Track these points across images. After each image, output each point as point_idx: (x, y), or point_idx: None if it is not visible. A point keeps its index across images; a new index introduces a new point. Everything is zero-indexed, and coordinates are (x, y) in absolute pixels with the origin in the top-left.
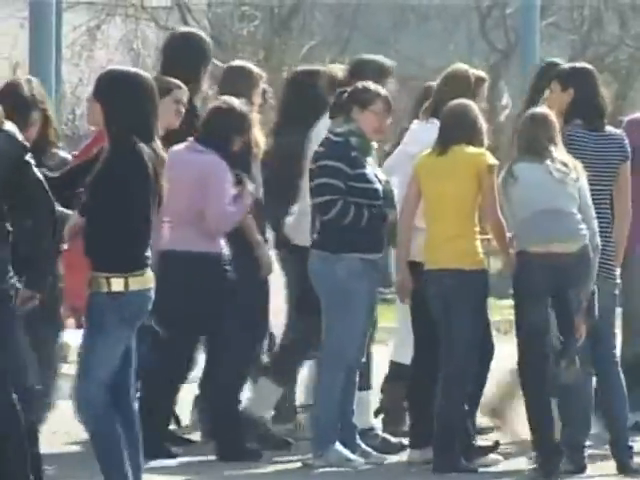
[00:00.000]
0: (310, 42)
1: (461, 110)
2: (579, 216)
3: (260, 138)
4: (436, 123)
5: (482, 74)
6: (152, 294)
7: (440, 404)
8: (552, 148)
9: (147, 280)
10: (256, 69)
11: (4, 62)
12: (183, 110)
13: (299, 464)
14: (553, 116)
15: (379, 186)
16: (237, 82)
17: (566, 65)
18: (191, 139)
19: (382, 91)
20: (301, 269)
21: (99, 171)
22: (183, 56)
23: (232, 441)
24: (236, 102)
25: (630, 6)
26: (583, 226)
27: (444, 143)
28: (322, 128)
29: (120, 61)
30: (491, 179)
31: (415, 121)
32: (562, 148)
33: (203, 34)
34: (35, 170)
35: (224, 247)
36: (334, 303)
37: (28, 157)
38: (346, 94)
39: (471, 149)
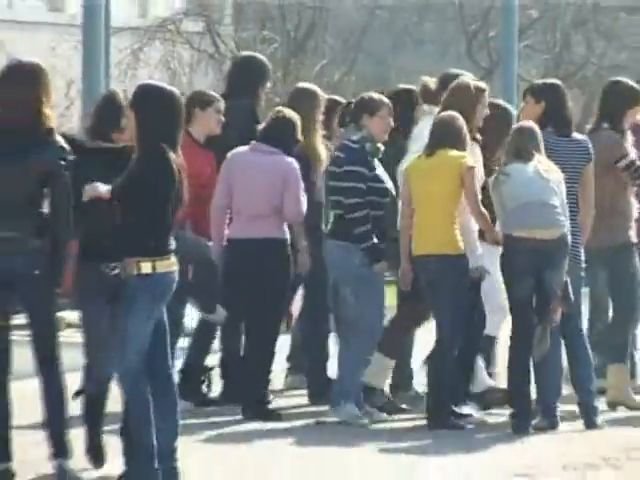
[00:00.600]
0: (322, 62)
1: (449, 120)
2: (560, 208)
3: (322, 150)
4: None
5: (482, 85)
6: (176, 276)
7: (431, 374)
8: (536, 154)
9: (171, 264)
10: (320, 91)
11: (61, 79)
12: (222, 118)
13: (313, 421)
14: (538, 128)
15: (387, 185)
16: (303, 101)
17: (539, 81)
18: (254, 142)
19: (384, 98)
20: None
21: (130, 173)
22: (246, 75)
23: (257, 403)
24: (293, 112)
25: (595, 30)
26: (563, 217)
27: (432, 147)
28: (417, 134)
29: (159, 78)
30: (471, 178)
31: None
32: (544, 155)
33: (264, 58)
34: (66, 180)
35: (287, 233)
36: (357, 288)
37: (65, 168)
38: (353, 105)
39: (454, 152)
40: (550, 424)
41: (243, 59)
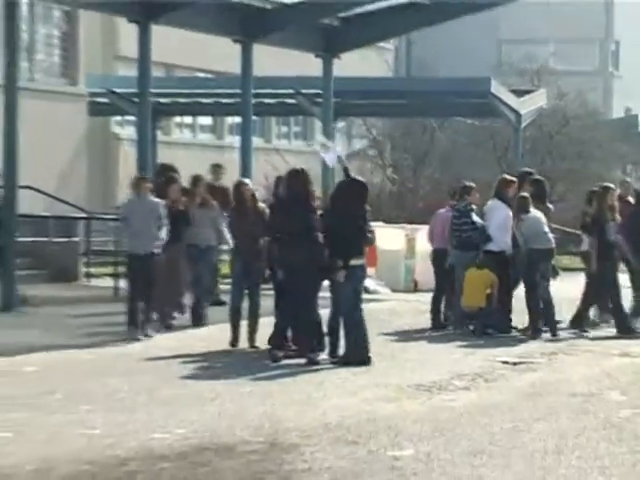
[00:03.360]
0: (429, 170)
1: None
2: (550, 234)
3: None
4: (496, 200)
5: (513, 178)
6: (364, 267)
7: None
8: (532, 209)
9: (361, 259)
10: (508, 177)
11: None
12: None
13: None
14: (529, 197)
15: (480, 224)
16: (503, 187)
17: (532, 177)
18: (448, 207)
19: (473, 184)
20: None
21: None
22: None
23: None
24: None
25: (557, 155)
26: (552, 237)
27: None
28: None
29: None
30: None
31: (490, 201)
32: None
33: (540, 177)
34: (316, 218)
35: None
36: (460, 271)
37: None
38: (460, 189)
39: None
40: (537, 336)
41: (523, 172)
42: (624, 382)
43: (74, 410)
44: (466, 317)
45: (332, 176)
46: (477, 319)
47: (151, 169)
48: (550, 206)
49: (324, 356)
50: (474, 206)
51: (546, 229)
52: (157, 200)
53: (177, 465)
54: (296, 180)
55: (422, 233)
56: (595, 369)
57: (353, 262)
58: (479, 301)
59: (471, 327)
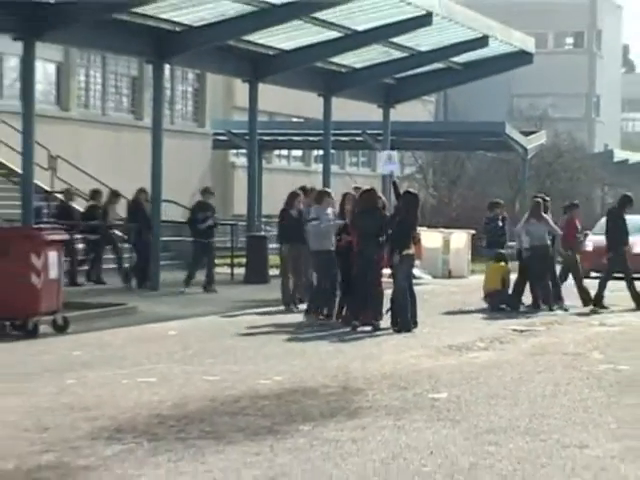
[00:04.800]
0: (460, 190)
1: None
2: (547, 235)
3: None
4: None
5: (542, 197)
6: (414, 255)
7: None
8: (535, 217)
9: (411, 250)
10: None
11: None
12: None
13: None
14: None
15: (505, 228)
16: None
17: (540, 196)
18: (526, 216)
19: (501, 201)
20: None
21: (401, 217)
22: (624, 201)
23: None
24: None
25: (554, 177)
26: (548, 237)
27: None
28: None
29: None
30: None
31: (525, 215)
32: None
33: (632, 195)
34: (387, 221)
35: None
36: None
37: (388, 217)
38: (489, 205)
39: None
40: (536, 310)
41: (625, 196)
42: (602, 345)
43: (201, 362)
44: (487, 296)
45: (389, 192)
46: (494, 298)
47: (256, 188)
48: (549, 215)
49: (384, 324)
50: (501, 216)
51: (544, 232)
52: (332, 209)
53: (275, 403)
54: (368, 195)
55: (454, 235)
56: (581, 335)
57: (405, 252)
58: (496, 285)
59: (489, 304)
